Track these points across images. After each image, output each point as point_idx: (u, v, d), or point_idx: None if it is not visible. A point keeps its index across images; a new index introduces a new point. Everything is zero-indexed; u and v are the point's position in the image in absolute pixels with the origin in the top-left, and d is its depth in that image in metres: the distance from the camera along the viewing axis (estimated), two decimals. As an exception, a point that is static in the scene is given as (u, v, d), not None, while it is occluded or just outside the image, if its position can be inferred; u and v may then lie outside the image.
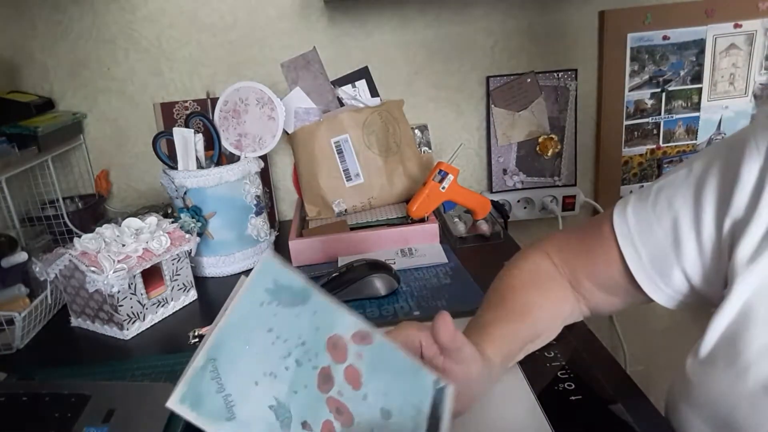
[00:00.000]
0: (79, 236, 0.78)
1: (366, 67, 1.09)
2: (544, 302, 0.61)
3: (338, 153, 1.04)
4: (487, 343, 0.54)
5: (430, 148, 1.20)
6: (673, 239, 0.54)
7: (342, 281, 0.79)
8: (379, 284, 0.80)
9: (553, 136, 1.23)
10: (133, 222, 0.82)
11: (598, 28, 1.19)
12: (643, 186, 1.29)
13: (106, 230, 0.78)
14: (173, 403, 0.34)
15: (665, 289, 0.56)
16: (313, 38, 1.13)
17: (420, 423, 0.44)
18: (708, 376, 0.49)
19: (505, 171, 1.25)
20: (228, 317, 0.38)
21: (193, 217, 0.89)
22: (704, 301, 0.56)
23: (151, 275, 0.81)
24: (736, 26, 1.19)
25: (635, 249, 0.57)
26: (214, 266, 0.94)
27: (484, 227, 1.01)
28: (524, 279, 0.63)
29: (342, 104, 1.08)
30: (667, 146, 1.26)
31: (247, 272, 1.01)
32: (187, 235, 0.85)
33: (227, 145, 0.94)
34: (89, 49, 1.12)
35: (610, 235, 0.59)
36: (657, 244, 0.55)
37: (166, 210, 1.06)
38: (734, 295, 0.47)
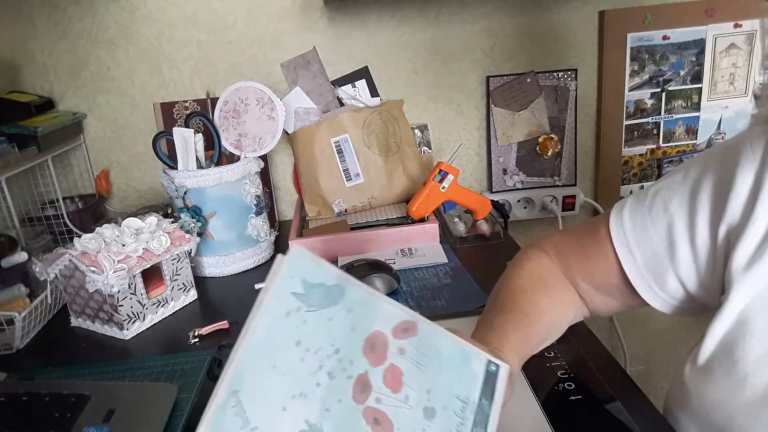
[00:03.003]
0: (79, 236, 0.78)
1: (366, 67, 1.09)
2: (553, 305, 0.61)
3: (338, 153, 1.04)
4: (508, 349, 0.53)
5: (430, 148, 1.20)
6: (668, 244, 0.54)
7: (342, 281, 0.79)
8: (379, 284, 0.80)
9: (553, 136, 1.23)
10: (133, 222, 0.82)
11: (598, 28, 1.19)
12: (642, 186, 1.29)
13: (106, 230, 0.78)
14: None
15: (660, 293, 0.56)
16: (313, 38, 1.13)
17: (467, 416, 0.41)
18: (705, 384, 0.48)
19: (505, 171, 1.25)
20: (249, 339, 0.35)
21: (193, 217, 0.89)
22: (702, 308, 0.55)
23: (151, 275, 0.81)
24: (736, 26, 1.19)
25: (631, 252, 0.56)
26: (214, 266, 0.94)
27: (484, 227, 1.01)
28: (533, 280, 0.62)
29: (342, 104, 1.08)
30: (667, 146, 1.26)
31: (246, 272, 1.00)
32: (187, 235, 0.85)
33: (227, 145, 0.94)
34: (89, 49, 1.12)
35: (606, 237, 0.58)
36: (652, 248, 0.55)
37: (166, 210, 1.06)
38: (731, 303, 0.47)
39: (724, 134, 1.26)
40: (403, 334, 0.41)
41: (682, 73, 1.21)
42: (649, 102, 1.23)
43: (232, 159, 0.95)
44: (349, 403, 0.37)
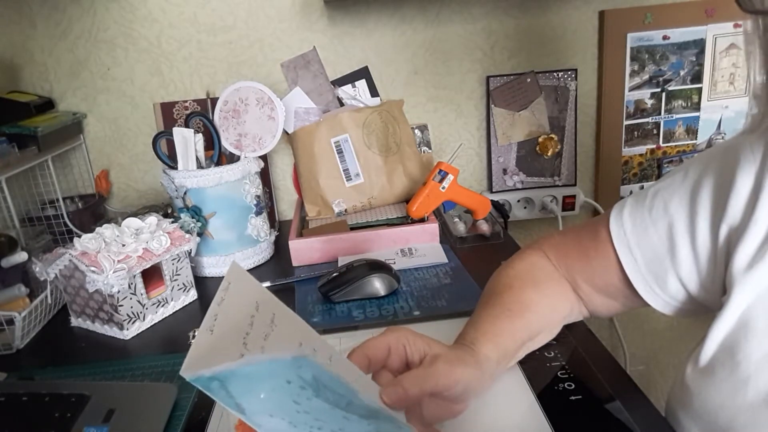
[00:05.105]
0: (79, 236, 0.78)
1: (366, 67, 1.09)
2: (541, 300, 0.61)
3: (338, 153, 1.04)
4: (483, 341, 0.54)
5: (430, 148, 1.20)
6: (668, 245, 0.54)
7: (342, 281, 0.79)
8: (379, 284, 0.80)
9: (553, 135, 1.23)
10: (133, 222, 0.82)
11: (598, 28, 1.19)
12: (642, 186, 1.29)
13: (106, 230, 0.78)
14: None
15: (661, 294, 0.56)
16: (313, 38, 1.13)
17: None
18: (707, 385, 0.48)
19: (505, 171, 1.25)
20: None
21: (193, 217, 0.89)
22: (703, 309, 0.55)
23: (151, 275, 0.81)
24: (736, 26, 1.18)
25: (632, 253, 0.56)
26: (214, 266, 0.94)
27: (484, 227, 1.01)
28: (521, 278, 0.63)
29: (342, 104, 1.08)
30: (667, 146, 1.26)
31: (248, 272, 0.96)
32: (187, 235, 0.85)
33: (227, 145, 0.94)
34: (89, 49, 1.12)
35: (606, 238, 0.58)
36: (653, 248, 0.55)
37: (166, 210, 1.06)
38: (732, 304, 0.47)
39: (724, 134, 1.26)
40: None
41: (682, 73, 1.21)
42: (649, 102, 1.23)
43: (232, 159, 0.95)
44: None
